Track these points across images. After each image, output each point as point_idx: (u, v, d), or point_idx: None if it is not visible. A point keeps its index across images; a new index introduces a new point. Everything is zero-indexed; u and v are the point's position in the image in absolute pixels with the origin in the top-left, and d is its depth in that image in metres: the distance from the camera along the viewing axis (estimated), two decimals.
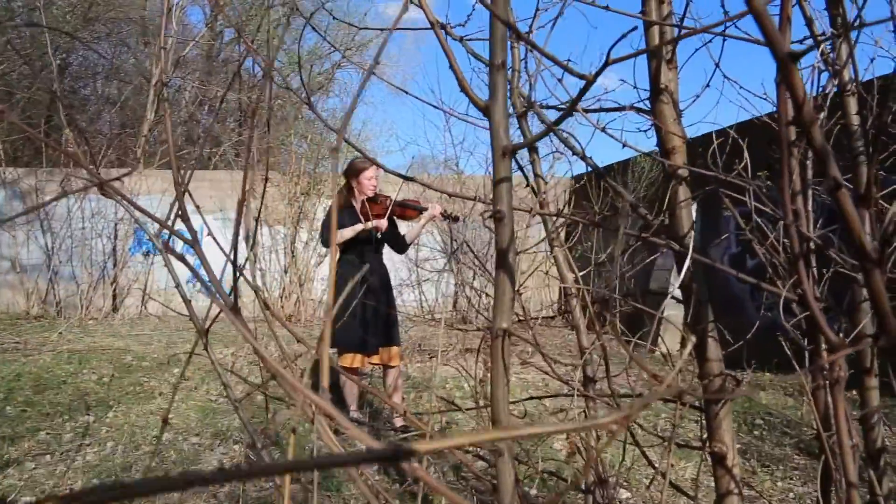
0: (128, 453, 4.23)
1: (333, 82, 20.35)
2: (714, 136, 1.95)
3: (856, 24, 1.47)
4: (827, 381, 1.10)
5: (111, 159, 13.26)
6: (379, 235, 4.72)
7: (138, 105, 16.50)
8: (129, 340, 8.43)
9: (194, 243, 0.73)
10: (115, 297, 11.41)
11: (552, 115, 1.75)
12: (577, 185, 10.58)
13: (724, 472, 1.44)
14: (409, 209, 4.79)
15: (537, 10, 1.62)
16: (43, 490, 3.61)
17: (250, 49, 1.32)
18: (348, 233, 4.60)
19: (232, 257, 0.81)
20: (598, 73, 0.62)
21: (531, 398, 2.18)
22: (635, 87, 1.51)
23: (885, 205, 1.26)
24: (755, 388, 6.00)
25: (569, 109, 0.66)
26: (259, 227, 11.42)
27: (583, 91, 0.66)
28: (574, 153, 1.40)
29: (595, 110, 1.53)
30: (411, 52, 38.36)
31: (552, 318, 11.18)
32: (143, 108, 15.01)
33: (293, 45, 20.92)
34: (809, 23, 1.50)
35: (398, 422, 4.76)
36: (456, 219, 4.83)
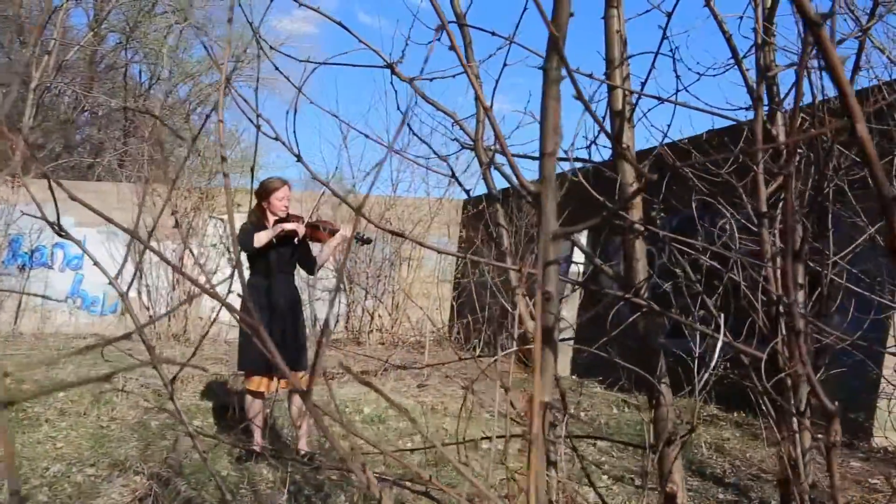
0: None
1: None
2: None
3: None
4: (823, 444, 1.22)
5: None
6: (297, 241, 4.67)
7: (13, 109, 15.50)
8: (5, 361, 7.88)
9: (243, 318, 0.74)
10: None
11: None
12: (475, 210, 10.82)
13: None
14: (320, 231, 4.75)
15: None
16: None
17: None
18: (264, 236, 4.45)
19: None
20: (640, 190, 0.69)
21: (479, 439, 2.18)
22: (598, 145, 1.60)
23: None
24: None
25: (601, 223, 0.72)
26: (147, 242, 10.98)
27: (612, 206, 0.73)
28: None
29: (565, 158, 1.61)
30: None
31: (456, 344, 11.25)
32: (18, 112, 14.15)
33: (182, 53, 20.33)
34: (754, 94, 1.65)
35: (302, 447, 4.69)
36: (368, 241, 4.81)
